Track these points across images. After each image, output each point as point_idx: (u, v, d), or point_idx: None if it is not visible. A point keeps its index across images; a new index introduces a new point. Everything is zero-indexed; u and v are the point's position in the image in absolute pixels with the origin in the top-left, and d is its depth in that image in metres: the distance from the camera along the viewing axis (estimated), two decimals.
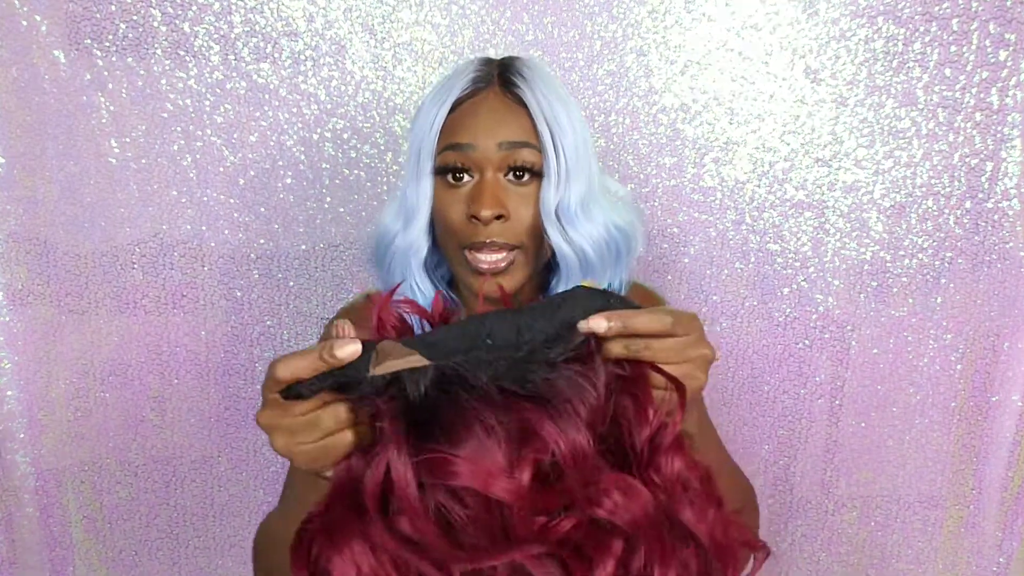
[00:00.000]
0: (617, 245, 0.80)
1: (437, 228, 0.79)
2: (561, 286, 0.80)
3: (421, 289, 0.81)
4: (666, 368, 0.50)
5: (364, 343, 0.47)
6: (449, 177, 0.76)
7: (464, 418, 0.43)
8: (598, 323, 0.48)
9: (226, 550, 1.34)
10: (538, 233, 0.77)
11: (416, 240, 0.79)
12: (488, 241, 0.74)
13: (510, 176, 0.76)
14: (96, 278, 1.18)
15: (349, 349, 0.45)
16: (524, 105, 0.75)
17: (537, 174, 0.75)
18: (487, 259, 0.75)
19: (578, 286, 0.51)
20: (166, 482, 1.29)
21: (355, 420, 0.48)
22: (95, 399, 1.23)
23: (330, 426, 0.47)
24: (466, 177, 0.76)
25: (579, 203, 0.76)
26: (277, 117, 1.14)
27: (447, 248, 0.79)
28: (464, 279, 0.79)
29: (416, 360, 0.46)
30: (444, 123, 0.75)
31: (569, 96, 0.78)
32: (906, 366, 1.30)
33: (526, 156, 0.74)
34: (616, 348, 0.49)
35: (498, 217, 0.74)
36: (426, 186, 0.77)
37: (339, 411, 0.48)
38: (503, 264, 0.76)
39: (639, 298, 0.85)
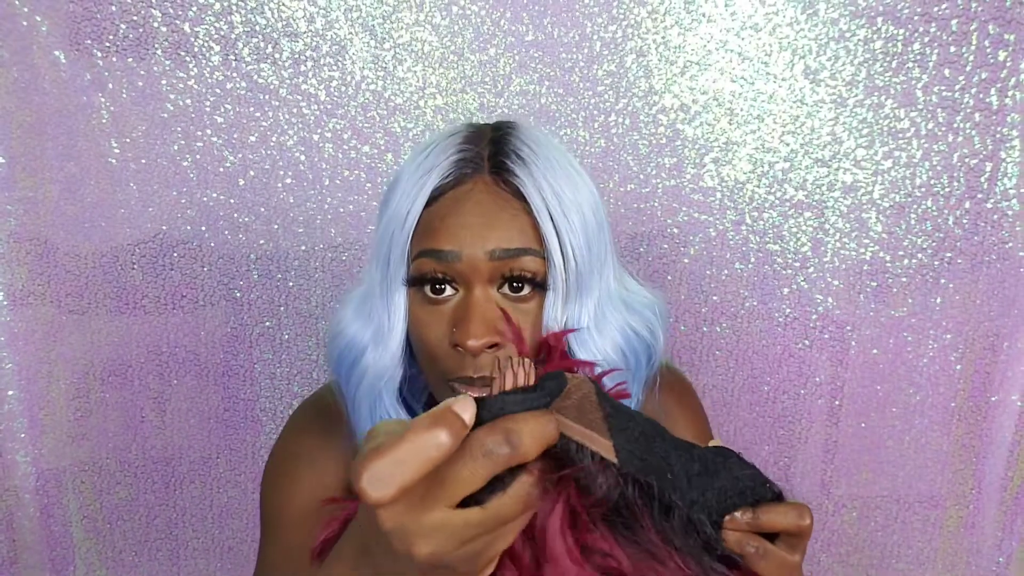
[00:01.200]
0: (636, 355, 0.65)
1: (415, 348, 0.64)
2: None
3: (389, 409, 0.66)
4: None
5: (547, 376, 0.38)
6: (427, 289, 0.60)
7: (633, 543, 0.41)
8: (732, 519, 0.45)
9: (225, 551, 1.34)
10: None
11: (388, 367, 0.63)
12: (478, 376, 0.58)
13: (505, 288, 0.60)
14: (96, 278, 1.18)
15: (470, 412, 0.35)
16: (523, 198, 0.59)
17: (540, 284, 0.60)
18: (478, 395, 0.64)
19: (727, 449, 0.46)
20: (166, 482, 1.29)
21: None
22: (95, 399, 1.23)
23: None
24: (448, 290, 0.60)
25: (592, 317, 0.61)
26: (277, 117, 1.14)
27: (428, 374, 0.63)
28: None
29: (607, 451, 0.38)
30: (420, 219, 0.59)
31: (580, 171, 0.63)
32: (906, 366, 1.31)
33: (526, 264, 0.58)
34: (730, 538, 0.45)
35: (491, 346, 0.58)
36: (399, 300, 0.61)
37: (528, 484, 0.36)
38: None
39: (670, 385, 0.77)
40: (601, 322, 0.62)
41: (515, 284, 0.59)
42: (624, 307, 0.65)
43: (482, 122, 0.67)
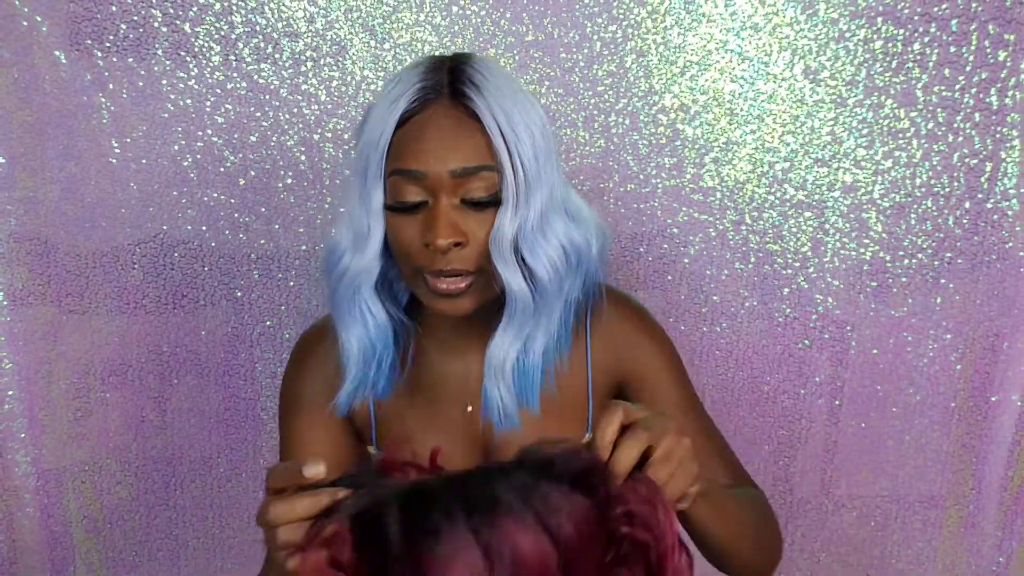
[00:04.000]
0: (579, 256, 0.76)
1: (392, 249, 0.74)
2: (512, 320, 0.74)
3: (372, 313, 0.77)
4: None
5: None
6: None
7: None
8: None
9: (226, 550, 1.34)
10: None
11: (368, 265, 0.73)
12: (447, 268, 0.70)
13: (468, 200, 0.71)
14: (97, 278, 1.18)
15: (314, 469, 0.53)
16: (477, 118, 0.69)
17: (494, 199, 0.71)
18: (446, 284, 0.72)
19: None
20: (166, 482, 1.29)
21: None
22: (96, 399, 1.23)
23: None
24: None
25: (537, 223, 0.71)
26: (278, 117, 1.14)
27: (404, 270, 0.75)
28: (424, 300, 0.75)
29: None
30: (391, 141, 0.69)
31: (528, 96, 0.74)
32: (906, 366, 1.31)
33: (484, 186, 0.70)
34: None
35: (456, 244, 0.70)
36: (377, 209, 0.71)
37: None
38: (463, 285, 0.72)
39: (618, 310, 0.85)
40: (546, 228, 0.72)
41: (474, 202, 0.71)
42: (567, 216, 0.75)
43: (440, 54, 0.77)
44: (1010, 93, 1.19)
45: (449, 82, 0.70)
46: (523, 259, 0.72)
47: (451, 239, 0.69)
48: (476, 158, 0.69)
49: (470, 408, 0.83)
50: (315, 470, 0.52)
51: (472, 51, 1.14)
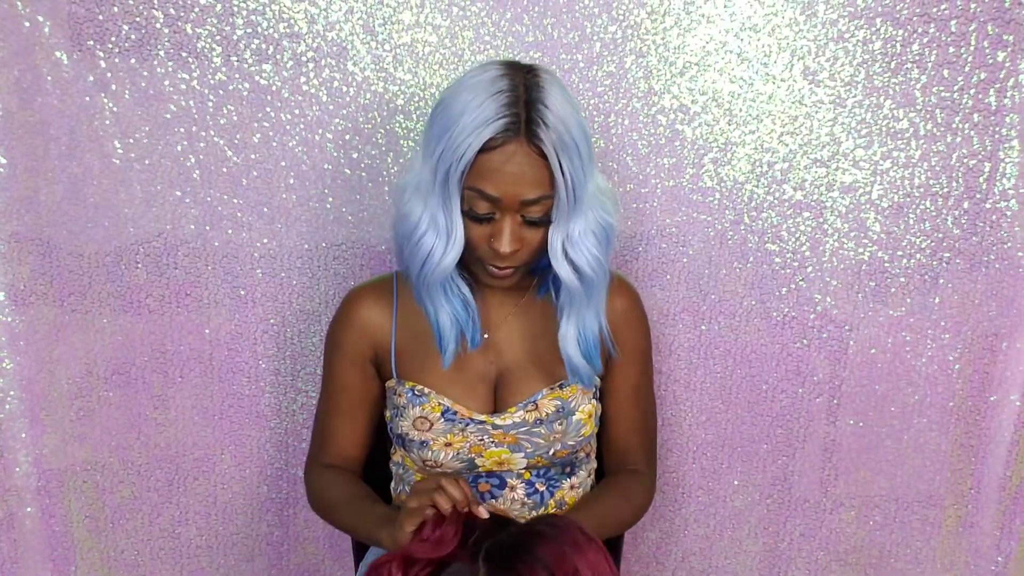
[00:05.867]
0: (607, 235, 0.93)
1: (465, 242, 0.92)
2: (571, 307, 0.96)
3: (460, 288, 0.96)
4: None
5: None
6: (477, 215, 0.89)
7: None
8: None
9: (229, 546, 1.35)
10: (542, 250, 0.91)
11: (455, 258, 0.90)
12: (504, 265, 0.91)
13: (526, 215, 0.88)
14: (100, 278, 1.19)
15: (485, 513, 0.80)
16: (545, 156, 0.83)
17: (548, 218, 0.88)
18: (501, 272, 0.92)
19: None
20: (169, 480, 1.30)
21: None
22: (98, 398, 1.24)
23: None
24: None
25: (581, 228, 0.88)
26: (279, 118, 1.15)
27: (471, 257, 0.93)
28: (480, 274, 0.95)
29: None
30: (473, 160, 0.83)
31: (573, 103, 0.87)
32: (904, 366, 1.31)
33: (541, 209, 0.87)
34: None
35: (513, 252, 0.89)
36: (458, 214, 0.87)
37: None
38: (511, 272, 0.92)
39: (617, 291, 1.04)
40: (585, 228, 0.89)
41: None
42: (597, 203, 0.90)
43: (514, 65, 0.87)
44: (1009, 93, 1.19)
45: (525, 120, 0.82)
46: (569, 257, 0.89)
47: (514, 248, 0.88)
48: (540, 190, 0.85)
49: (486, 335, 1.02)
50: (485, 514, 0.79)
51: (475, 53, 1.14)
